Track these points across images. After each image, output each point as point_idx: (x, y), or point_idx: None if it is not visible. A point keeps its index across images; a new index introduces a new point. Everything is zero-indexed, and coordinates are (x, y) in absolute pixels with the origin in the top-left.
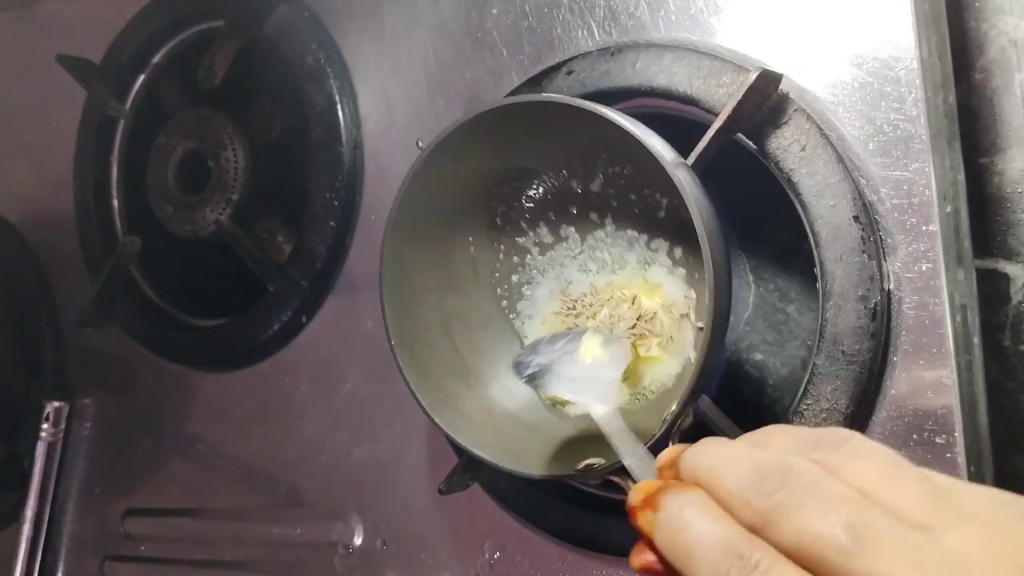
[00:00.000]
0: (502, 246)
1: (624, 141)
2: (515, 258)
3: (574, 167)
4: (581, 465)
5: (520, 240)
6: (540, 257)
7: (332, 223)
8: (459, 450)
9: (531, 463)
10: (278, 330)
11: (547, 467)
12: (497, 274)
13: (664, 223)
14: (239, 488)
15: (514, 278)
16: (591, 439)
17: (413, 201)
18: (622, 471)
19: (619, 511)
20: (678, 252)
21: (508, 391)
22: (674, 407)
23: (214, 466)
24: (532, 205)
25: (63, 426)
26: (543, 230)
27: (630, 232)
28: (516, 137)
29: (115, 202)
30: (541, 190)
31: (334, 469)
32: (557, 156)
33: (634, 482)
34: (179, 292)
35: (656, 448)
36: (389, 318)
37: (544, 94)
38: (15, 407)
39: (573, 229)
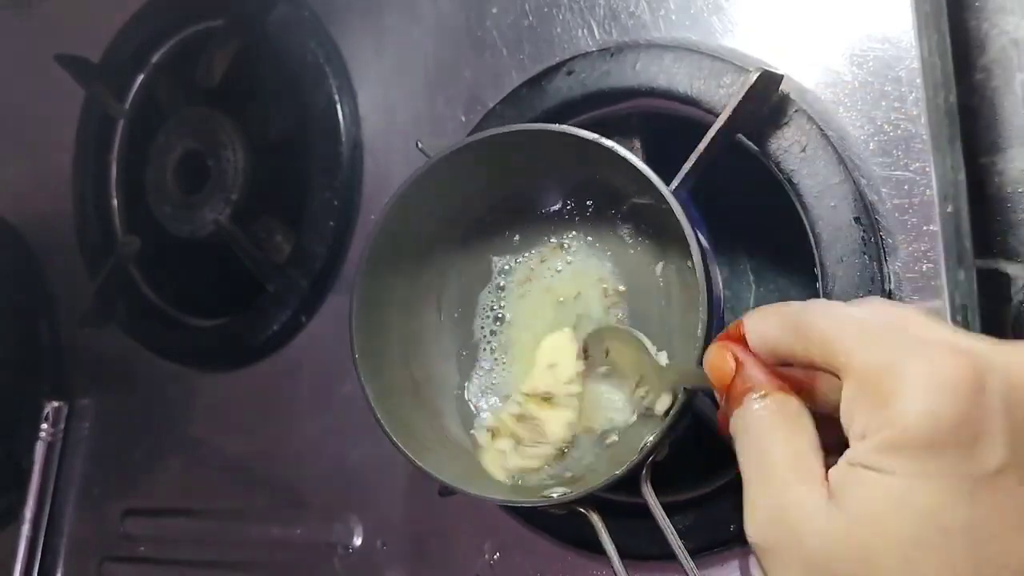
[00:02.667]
0: (468, 279)
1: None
2: (481, 293)
3: (562, 197)
4: (546, 493)
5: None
6: (510, 295)
7: (332, 223)
8: None
9: (491, 490)
10: (278, 330)
11: (508, 493)
12: (460, 310)
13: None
14: (239, 488)
15: (479, 313)
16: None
17: (396, 220)
18: (586, 501)
19: (619, 512)
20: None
21: (458, 426)
22: (651, 438)
23: (214, 466)
24: (508, 237)
25: (62, 426)
26: (518, 265)
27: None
28: (501, 164)
29: (114, 202)
30: (522, 222)
31: (334, 469)
32: (546, 184)
33: (599, 514)
34: (179, 292)
35: (628, 476)
36: (356, 331)
37: (527, 124)
38: (14, 407)
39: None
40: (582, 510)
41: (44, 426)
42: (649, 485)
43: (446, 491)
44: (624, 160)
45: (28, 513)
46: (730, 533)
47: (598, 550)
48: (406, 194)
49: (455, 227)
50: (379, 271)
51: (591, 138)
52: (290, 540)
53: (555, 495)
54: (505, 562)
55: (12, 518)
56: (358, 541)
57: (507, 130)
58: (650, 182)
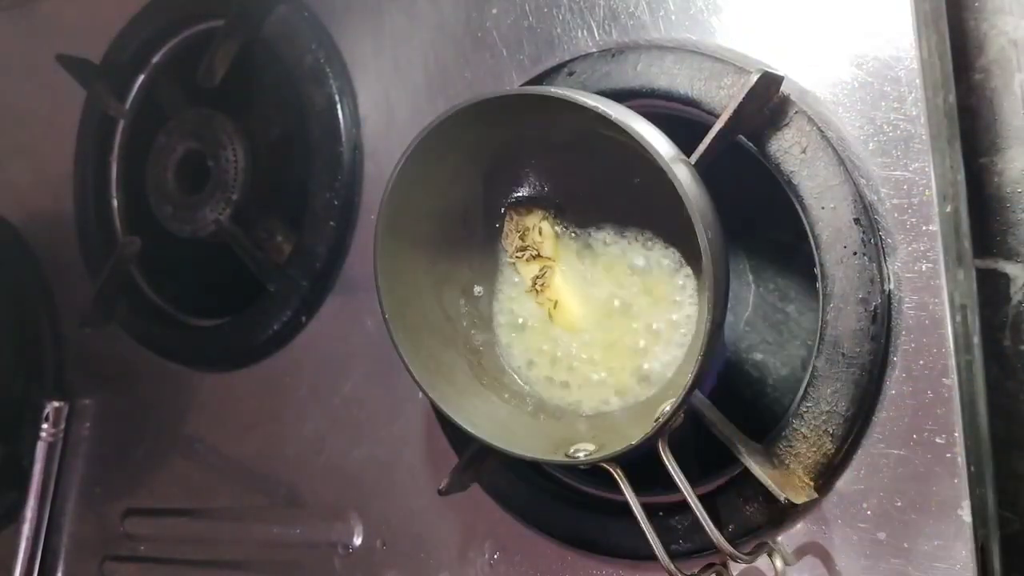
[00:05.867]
0: (498, 209)
1: (625, 136)
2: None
3: (575, 160)
4: (571, 450)
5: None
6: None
7: (332, 223)
8: (459, 450)
9: (522, 443)
10: (278, 330)
11: (538, 450)
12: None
13: (673, 230)
14: (239, 488)
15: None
16: (589, 427)
17: (411, 174)
18: (614, 460)
19: (618, 512)
20: (677, 255)
21: (498, 360)
22: (667, 407)
23: (214, 466)
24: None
25: (63, 426)
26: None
27: (631, 233)
28: (519, 123)
29: (115, 202)
30: (538, 169)
31: (334, 469)
32: (558, 147)
33: (624, 470)
34: (179, 292)
35: (645, 447)
36: (383, 289)
37: (553, 88)
38: (15, 407)
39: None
40: (607, 468)
41: (45, 426)
42: (668, 449)
43: (446, 490)
44: (635, 136)
45: (29, 513)
46: (729, 533)
47: (598, 550)
48: (420, 148)
49: (478, 162)
50: (400, 222)
51: (599, 108)
52: (290, 540)
53: (581, 455)
54: (505, 562)
55: (13, 518)
56: (358, 541)
57: (520, 92)
58: (654, 155)
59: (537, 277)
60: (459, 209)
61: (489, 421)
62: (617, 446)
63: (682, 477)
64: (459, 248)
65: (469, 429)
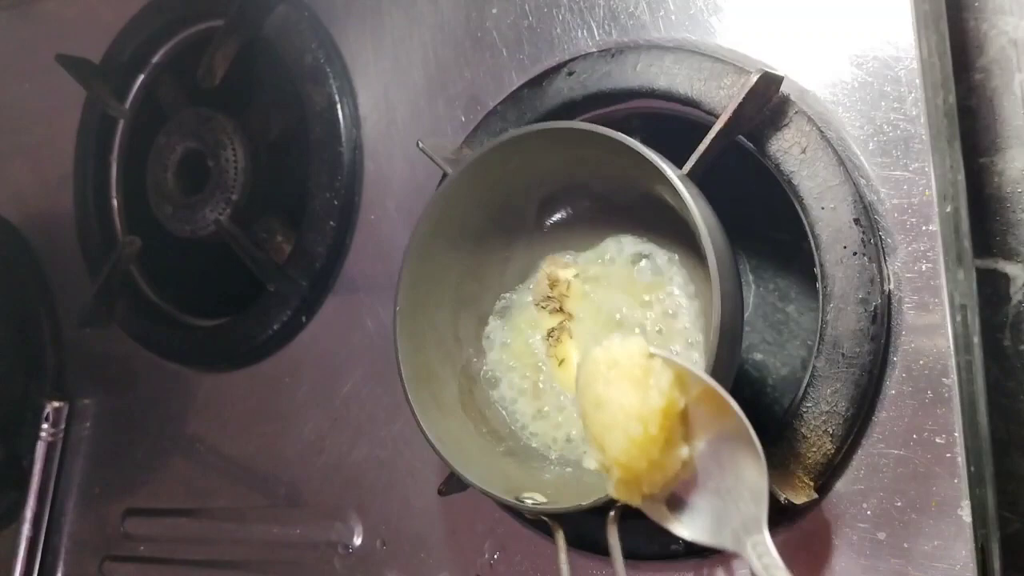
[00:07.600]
0: (538, 248)
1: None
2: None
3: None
4: (523, 495)
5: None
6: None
7: (332, 223)
8: None
9: (479, 474)
10: (278, 330)
11: (492, 485)
12: (525, 278)
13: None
14: (239, 488)
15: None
16: (556, 478)
17: (463, 186)
18: (555, 517)
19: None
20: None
21: (487, 398)
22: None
23: (214, 466)
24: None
25: (63, 426)
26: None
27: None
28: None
29: (115, 202)
30: (578, 206)
31: (334, 469)
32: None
33: (562, 528)
34: (179, 292)
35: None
36: (404, 283)
37: (562, 122)
38: (15, 407)
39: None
40: (548, 521)
41: (45, 426)
42: (615, 527)
43: (446, 490)
44: (639, 153)
45: (29, 512)
46: None
47: (598, 550)
48: (476, 164)
49: (526, 196)
50: (441, 228)
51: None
52: (290, 540)
53: (529, 503)
54: (505, 562)
55: (13, 517)
56: (358, 541)
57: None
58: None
59: (553, 329)
60: (503, 234)
61: (456, 444)
62: (567, 503)
63: (618, 554)
64: (491, 276)
65: (434, 442)
